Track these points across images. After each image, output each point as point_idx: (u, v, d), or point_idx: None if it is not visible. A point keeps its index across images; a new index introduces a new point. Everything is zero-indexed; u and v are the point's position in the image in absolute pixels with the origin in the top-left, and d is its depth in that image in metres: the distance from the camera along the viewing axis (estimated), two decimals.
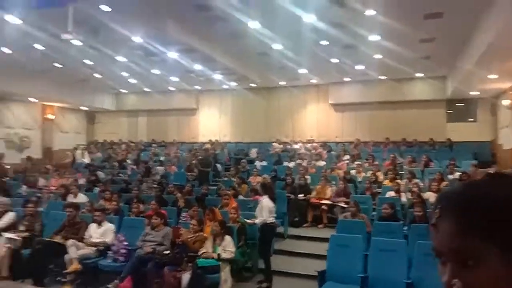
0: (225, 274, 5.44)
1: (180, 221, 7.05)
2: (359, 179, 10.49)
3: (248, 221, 6.28)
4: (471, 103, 14.65)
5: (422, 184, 9.46)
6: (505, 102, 11.96)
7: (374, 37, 9.75)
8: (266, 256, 6.15)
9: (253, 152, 15.01)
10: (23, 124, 15.97)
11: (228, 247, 5.56)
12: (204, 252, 5.53)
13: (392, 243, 5.01)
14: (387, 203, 6.71)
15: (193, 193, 8.73)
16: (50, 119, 17.04)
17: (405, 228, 6.32)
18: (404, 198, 8.35)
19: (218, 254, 5.47)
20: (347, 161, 12.41)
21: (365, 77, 14.34)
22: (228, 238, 5.65)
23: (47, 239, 6.25)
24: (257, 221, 6.08)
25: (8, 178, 11.59)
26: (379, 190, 9.18)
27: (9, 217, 6.86)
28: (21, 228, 6.65)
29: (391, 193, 8.57)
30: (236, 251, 5.71)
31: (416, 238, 5.41)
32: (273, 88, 16.56)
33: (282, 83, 15.80)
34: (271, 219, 6.16)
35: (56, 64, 12.70)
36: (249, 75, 14.04)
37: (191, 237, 5.75)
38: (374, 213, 7.60)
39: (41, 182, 10.86)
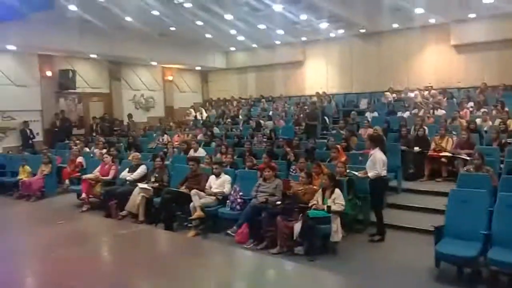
0: (336, 225, 5.52)
1: (290, 173, 7.24)
2: (485, 129, 9.46)
3: (358, 174, 6.14)
4: None
5: None
6: None
7: None
8: (378, 209, 6.03)
9: (364, 103, 14.46)
10: (147, 86, 17.65)
11: (338, 200, 5.59)
12: (314, 204, 5.65)
13: None
14: None
15: (301, 147, 8.80)
16: (170, 80, 18.53)
17: None
18: None
19: (328, 206, 5.54)
20: (471, 109, 11.23)
21: (495, 11, 12.42)
22: (337, 191, 5.66)
23: (174, 189, 7.01)
24: (370, 174, 5.89)
25: (137, 135, 13.05)
26: (510, 140, 8.19)
27: (142, 169, 7.81)
28: (152, 179, 7.53)
29: None
30: (346, 204, 5.71)
31: None
32: (384, 32, 15.39)
33: (395, 25, 14.58)
34: (384, 172, 5.94)
35: (172, 28, 13.54)
36: (358, 20, 13.23)
37: (301, 189, 5.90)
38: (502, 165, 6.84)
39: (166, 138, 12.00)
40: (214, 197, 6.67)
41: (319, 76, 17.37)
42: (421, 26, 14.40)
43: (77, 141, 11.98)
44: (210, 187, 6.85)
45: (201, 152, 9.37)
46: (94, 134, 14.05)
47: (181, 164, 8.02)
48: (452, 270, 4.69)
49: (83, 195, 8.22)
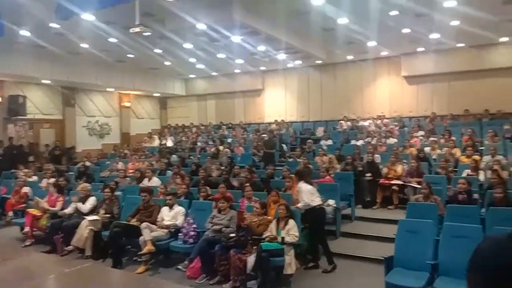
0: (290, 257, 5.46)
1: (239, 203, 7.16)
2: (434, 157, 9.85)
3: (292, 207, 6.15)
4: None
5: (505, 161, 8.66)
6: None
7: (449, 3, 8.95)
8: (320, 239, 6.05)
9: (320, 131, 14.75)
10: (102, 112, 17.22)
11: (292, 231, 5.55)
12: (268, 236, 5.58)
13: (466, 229, 4.64)
14: (464, 179, 6.27)
15: (255, 175, 8.76)
16: (127, 107, 18.19)
17: (483, 211, 5.84)
18: (482, 177, 7.70)
19: (282, 238, 5.49)
20: (421, 138, 11.71)
21: (441, 46, 13.25)
22: (291, 222, 5.63)
23: (123, 222, 6.73)
24: (299, 205, 5.99)
25: (90, 164, 12.58)
26: (456, 169, 8.57)
27: (91, 201, 7.48)
28: (101, 211, 7.21)
29: (468, 171, 7.95)
30: (300, 235, 5.69)
31: (495, 223, 4.99)
32: (340, 63, 15.99)
33: (350, 57, 15.18)
34: (316, 202, 6.00)
35: (129, 55, 13.40)
36: (314, 52, 13.66)
37: (255, 221, 5.82)
38: (449, 193, 7.10)
39: (120, 166, 11.63)
40: (166, 230, 6.45)
41: (278, 104, 17.67)
42: (374, 58, 15.11)
43: (25, 170, 11.37)
44: (163, 219, 6.64)
45: (155, 182, 9.14)
46: (43, 162, 13.41)
47: (133, 195, 7.75)
48: None
49: (27, 228, 7.73)
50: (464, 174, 8.01)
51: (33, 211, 7.83)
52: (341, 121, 14.80)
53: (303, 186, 6.07)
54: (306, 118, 16.98)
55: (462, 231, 4.63)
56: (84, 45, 11.70)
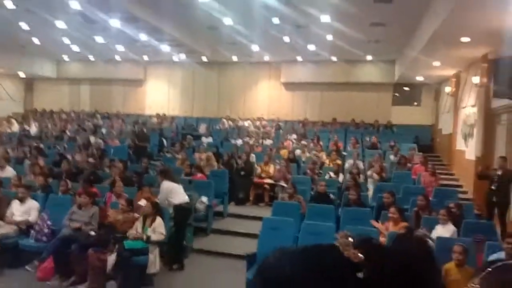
0: (154, 256, 5.28)
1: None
2: (303, 159, 10.57)
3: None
4: (417, 88, 15.12)
5: (362, 165, 9.71)
6: (447, 89, 12.40)
7: (325, 18, 9.65)
8: (179, 236, 6.02)
9: (203, 128, 14.73)
10: None
11: (158, 229, 5.37)
12: (132, 234, 5.31)
13: (321, 227, 5.04)
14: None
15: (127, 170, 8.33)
16: None
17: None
18: (341, 179, 8.51)
19: (148, 236, 5.28)
20: (294, 141, 12.47)
21: (317, 58, 14.32)
22: (159, 219, 5.45)
23: None
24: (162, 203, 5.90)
25: None
26: (321, 171, 9.31)
27: None
28: None
29: (331, 174, 8.71)
30: (168, 233, 5.55)
31: (348, 221, 5.51)
32: (225, 63, 16.19)
33: (235, 58, 15.46)
34: (177, 200, 5.97)
35: None
36: (199, 49, 13.57)
37: (119, 218, 5.50)
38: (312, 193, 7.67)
39: None
40: (15, 227, 5.72)
41: (160, 97, 17.14)
42: (257, 62, 15.66)
43: None
44: (13, 214, 5.88)
45: (9, 172, 8.08)
46: None
47: None
48: None
49: None
50: (327, 177, 8.75)
51: None
52: (224, 120, 14.99)
53: (164, 184, 5.99)
54: (189, 113, 16.81)
55: (318, 228, 5.01)
56: None
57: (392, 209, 5.45)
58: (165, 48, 13.22)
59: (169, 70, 16.92)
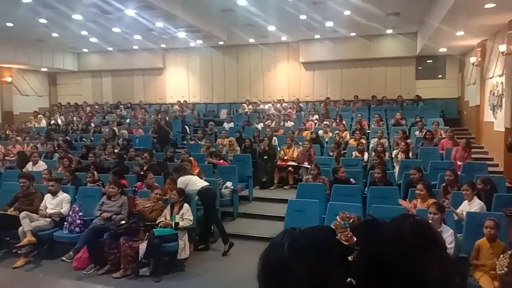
0: (184, 242, 5.39)
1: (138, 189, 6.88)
2: (326, 140, 10.48)
3: None
4: (440, 60, 14.65)
5: (387, 143, 9.55)
6: (472, 59, 11.98)
7: None
8: (214, 220, 6.15)
9: (223, 113, 14.76)
10: None
11: (186, 215, 5.48)
12: (161, 221, 5.43)
13: (347, 207, 5.00)
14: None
15: (153, 159, 8.45)
16: (8, 82, 16.16)
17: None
18: (366, 158, 8.40)
19: (176, 223, 5.39)
20: (316, 121, 12.35)
21: (335, 35, 14.02)
22: (186, 206, 5.55)
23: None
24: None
25: None
26: (345, 151, 9.22)
27: None
28: None
29: (355, 153, 8.61)
30: (195, 219, 5.64)
31: (374, 200, 5.46)
32: (242, 46, 16.03)
33: (252, 40, 15.31)
34: (198, 186, 6.14)
35: (9, 24, 11.87)
36: (216, 33, 13.48)
37: (148, 206, 5.62)
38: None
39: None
40: (49, 219, 5.93)
41: (180, 84, 17.18)
42: (274, 43, 15.45)
43: None
44: (45, 208, 6.09)
45: (41, 166, 8.33)
46: None
47: (11, 182, 6.96)
48: None
49: None
50: (351, 156, 8.66)
51: None
52: (243, 104, 14.97)
53: (180, 179, 6.14)
54: (209, 100, 16.82)
55: (344, 209, 4.96)
56: None
57: (419, 186, 5.35)
58: (181, 34, 13.21)
59: (187, 57, 16.90)
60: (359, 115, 11.90)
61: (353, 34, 13.99)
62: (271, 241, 0.70)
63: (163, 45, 16.01)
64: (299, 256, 0.63)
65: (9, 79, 16.15)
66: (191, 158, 7.78)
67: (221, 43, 15.26)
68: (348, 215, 0.65)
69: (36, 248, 5.85)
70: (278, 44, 15.60)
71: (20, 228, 5.67)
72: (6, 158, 9.68)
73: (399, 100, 14.15)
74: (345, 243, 0.61)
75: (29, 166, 8.41)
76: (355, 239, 0.62)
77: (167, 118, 12.48)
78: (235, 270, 5.50)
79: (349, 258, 0.60)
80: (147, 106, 16.47)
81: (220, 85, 16.68)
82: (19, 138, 11.90)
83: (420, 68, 15.01)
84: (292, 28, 13.33)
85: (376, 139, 9.41)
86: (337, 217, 0.66)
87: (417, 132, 10.30)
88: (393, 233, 0.63)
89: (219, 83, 16.69)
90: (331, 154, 8.56)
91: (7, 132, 13.05)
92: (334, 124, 11.60)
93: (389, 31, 13.91)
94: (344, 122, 11.58)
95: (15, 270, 5.28)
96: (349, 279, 0.59)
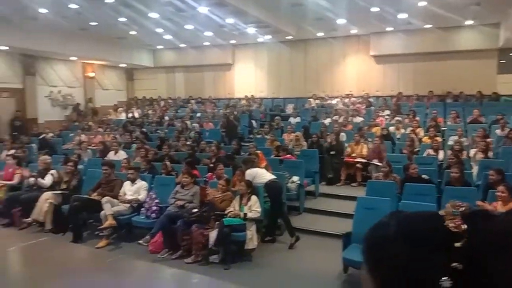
0: (251, 232, 5.53)
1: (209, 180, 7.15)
2: (398, 136, 10.10)
3: None
4: None
5: (466, 142, 8.98)
6: None
7: None
8: (280, 213, 6.20)
9: (290, 108, 14.77)
10: (65, 82, 16.52)
11: (254, 207, 5.61)
12: (230, 211, 5.61)
13: (421, 207, 4.81)
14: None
15: (222, 151, 8.69)
16: (91, 77, 17.51)
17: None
18: (442, 156, 7.96)
19: (244, 214, 5.54)
20: (387, 117, 11.94)
21: (409, 27, 13.39)
22: (254, 198, 5.68)
23: (84, 196, 6.59)
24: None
25: (52, 135, 12.18)
26: (419, 148, 8.81)
27: (51, 176, 7.23)
28: (63, 186, 7.02)
29: (429, 151, 8.21)
30: (263, 211, 5.75)
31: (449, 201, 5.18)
32: (310, 40, 15.90)
33: (320, 34, 15.12)
34: (265, 179, 6.23)
35: (93, 23, 12.82)
36: (284, 28, 13.50)
37: (218, 197, 5.83)
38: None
39: (83, 138, 11.29)
40: (128, 205, 6.37)
41: (248, 79, 17.48)
42: (343, 36, 15.13)
43: None
44: (125, 194, 6.54)
45: (121, 155, 8.94)
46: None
47: (95, 169, 7.57)
48: (359, 276, 4.89)
49: None
50: (425, 154, 8.27)
51: None
52: (310, 99, 14.85)
53: (247, 172, 6.27)
54: (276, 94, 16.91)
55: (417, 209, 4.79)
56: (43, 10, 11.06)
57: (500, 188, 5.00)
58: (251, 30, 13.40)
59: (255, 52, 17.13)
60: (434, 111, 11.28)
61: (428, 25, 13.28)
62: (377, 221, 0.72)
63: (232, 41, 16.37)
64: (405, 236, 0.65)
65: (91, 74, 17.48)
66: (258, 151, 7.91)
67: (289, 37, 15.26)
68: (459, 204, 0.66)
69: (116, 231, 6.32)
70: (347, 38, 15.26)
71: (102, 212, 6.16)
72: (89, 148, 10.53)
73: (478, 96, 13.20)
74: (454, 229, 0.62)
75: (111, 155, 9.08)
76: (464, 227, 0.62)
77: (235, 113, 12.78)
78: (301, 263, 5.54)
79: (456, 244, 0.61)
80: (217, 101, 16.98)
81: (287, 80, 16.70)
82: (100, 129, 12.87)
83: (503, 61, 13.85)
84: (363, 21, 12.96)
85: (456, 137, 8.86)
86: (447, 205, 0.67)
87: (498, 131, 9.55)
88: (505, 225, 0.63)
89: (286, 77, 16.71)
90: (405, 151, 8.22)
91: (89, 123, 14.15)
92: (406, 120, 11.12)
93: (469, 22, 13.01)
94: (417, 118, 11.06)
95: (98, 250, 5.75)
96: (454, 264, 0.60)
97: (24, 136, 11.75)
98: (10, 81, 14.57)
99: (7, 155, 8.65)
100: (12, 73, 14.60)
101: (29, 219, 6.70)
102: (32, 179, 7.14)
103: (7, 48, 13.69)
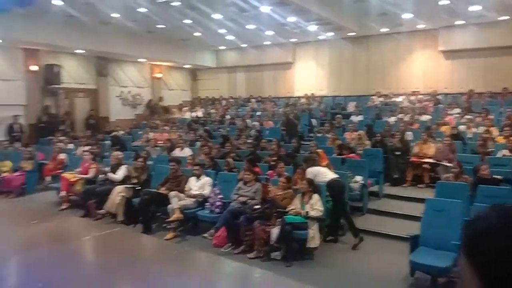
0: (313, 231, 5.51)
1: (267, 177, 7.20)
2: (469, 136, 9.52)
3: None
4: None
5: None
6: None
7: None
8: (343, 212, 6.10)
9: (351, 106, 14.47)
10: (134, 82, 17.48)
11: (315, 206, 5.58)
12: (292, 209, 5.63)
13: None
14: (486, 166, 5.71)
15: (282, 150, 8.71)
16: (158, 78, 18.38)
17: None
18: None
19: (306, 212, 5.53)
20: (457, 115, 11.29)
21: (482, 19, 12.54)
22: (316, 196, 5.65)
23: (153, 190, 6.94)
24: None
25: (123, 133, 12.93)
26: (493, 149, 8.25)
27: (123, 170, 7.70)
28: (134, 180, 7.45)
29: (504, 152, 7.66)
30: (324, 210, 5.71)
31: None
32: (373, 36, 15.43)
33: (384, 30, 14.64)
34: (328, 178, 6.15)
35: (160, 26, 13.44)
36: (346, 24, 13.24)
37: (279, 194, 5.87)
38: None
39: (151, 135, 11.88)
40: (193, 199, 6.61)
41: (308, 77, 17.35)
42: (409, 31, 14.49)
43: (61, 138, 11.82)
44: (190, 189, 6.80)
45: (187, 152, 9.29)
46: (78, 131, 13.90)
47: (162, 165, 7.94)
48: (426, 280, 4.72)
49: (62, 193, 8.10)
50: (499, 155, 7.73)
51: (67, 176, 8.18)
52: (373, 97, 14.43)
53: (308, 170, 6.21)
54: (337, 92, 16.62)
55: None
56: (115, 15, 11.78)
57: None
58: (312, 28, 13.30)
59: (316, 50, 16.97)
60: (509, 109, 10.49)
61: (504, 17, 12.36)
62: (476, 214, 0.73)
63: (293, 40, 16.34)
64: (508, 227, 0.66)
65: (159, 75, 18.34)
66: (319, 150, 7.84)
67: (351, 34, 14.94)
68: None
69: (182, 224, 6.58)
70: (413, 33, 14.60)
71: (170, 206, 6.45)
72: (156, 145, 11.06)
73: None
74: None
75: (176, 152, 9.47)
76: None
77: (295, 111, 12.76)
78: (365, 264, 5.42)
79: None
80: (276, 99, 17.05)
81: (349, 78, 16.36)
82: (166, 127, 13.46)
83: None
84: (430, 15, 12.35)
85: None
86: None
87: None
88: None
89: (348, 75, 16.37)
90: (478, 150, 7.74)
91: (157, 121, 14.85)
92: (478, 119, 10.45)
93: None
94: (490, 116, 10.35)
95: (166, 241, 6.03)
96: None
97: (98, 134, 12.62)
98: (85, 81, 15.70)
99: (84, 151, 9.36)
100: (87, 75, 15.74)
101: (102, 210, 7.19)
102: (103, 175, 7.67)
103: (84, 51, 14.77)
